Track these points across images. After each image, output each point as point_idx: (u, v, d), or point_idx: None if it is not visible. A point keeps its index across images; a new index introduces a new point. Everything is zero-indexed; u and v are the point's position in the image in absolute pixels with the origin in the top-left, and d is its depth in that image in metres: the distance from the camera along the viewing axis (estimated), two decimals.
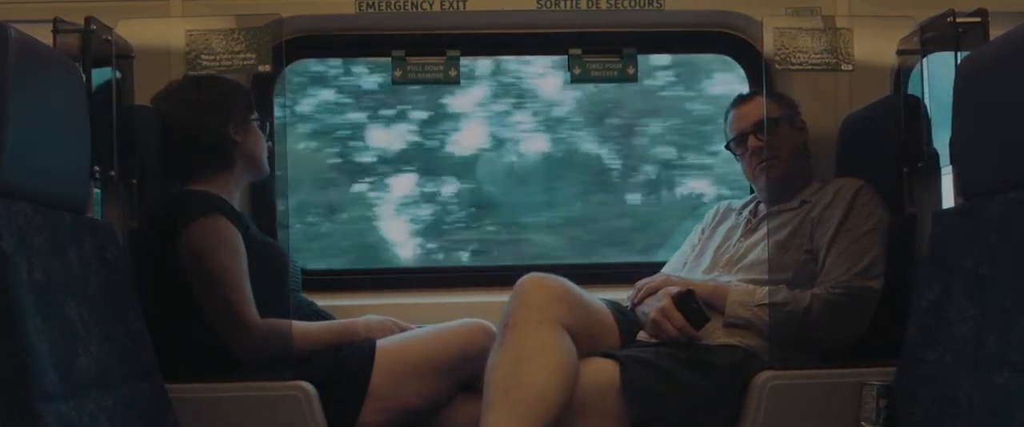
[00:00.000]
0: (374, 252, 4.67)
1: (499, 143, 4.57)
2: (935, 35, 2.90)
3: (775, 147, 3.22)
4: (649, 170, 4.66)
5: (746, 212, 3.39)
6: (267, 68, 3.08)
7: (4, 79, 2.12)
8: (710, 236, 3.43)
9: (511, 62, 4.40)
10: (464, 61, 3.53)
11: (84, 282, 2.37)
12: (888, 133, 3.07)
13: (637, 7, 3.47)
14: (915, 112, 2.97)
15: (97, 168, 2.72)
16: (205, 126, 3.12)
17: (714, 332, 3.00)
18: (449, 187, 4.57)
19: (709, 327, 2.98)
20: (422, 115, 4.52)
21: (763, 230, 3.17)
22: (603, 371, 2.85)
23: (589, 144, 4.59)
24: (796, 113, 3.29)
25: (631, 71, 3.56)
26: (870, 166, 3.15)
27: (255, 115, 3.20)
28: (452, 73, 3.49)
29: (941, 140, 2.84)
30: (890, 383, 2.69)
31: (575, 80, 3.57)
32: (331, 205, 4.60)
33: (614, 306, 3.15)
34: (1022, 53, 2.27)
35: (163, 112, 3.12)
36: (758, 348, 2.94)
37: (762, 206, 3.32)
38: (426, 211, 4.57)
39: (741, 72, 3.77)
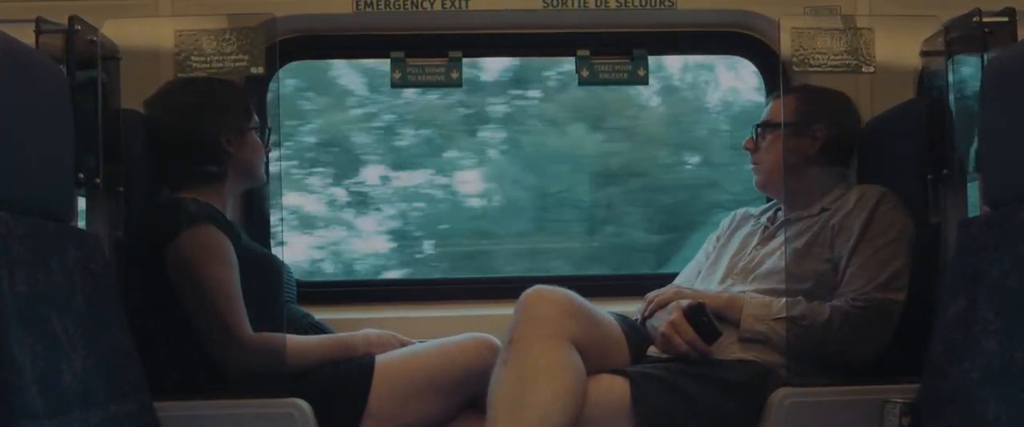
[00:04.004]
0: None
1: None
2: (961, 35, 2.89)
3: (761, 152, 3.31)
4: None
5: (764, 218, 3.38)
6: (260, 70, 3.08)
7: None
8: (725, 244, 3.43)
9: None
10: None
11: (68, 294, 2.37)
12: (911, 138, 3.07)
13: (648, 7, 3.47)
14: (940, 116, 2.96)
15: (82, 174, 2.71)
16: (195, 135, 3.12)
17: (729, 347, 3.00)
18: None
19: (723, 341, 2.98)
20: None
21: (780, 238, 3.17)
22: (613, 388, 2.84)
23: None
24: (804, 119, 3.27)
25: (642, 73, 3.57)
26: (893, 172, 3.15)
27: (253, 123, 3.20)
28: (454, 75, 3.50)
29: (967, 146, 2.83)
30: (913, 400, 2.68)
31: (583, 82, 3.57)
32: None
33: (623, 320, 3.14)
34: None
35: (153, 115, 3.13)
36: (775, 364, 2.94)
37: (781, 213, 3.31)
38: None
39: None
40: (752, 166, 3.37)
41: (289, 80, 4.20)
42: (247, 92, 3.28)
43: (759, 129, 3.33)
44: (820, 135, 3.23)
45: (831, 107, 3.28)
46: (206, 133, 3.12)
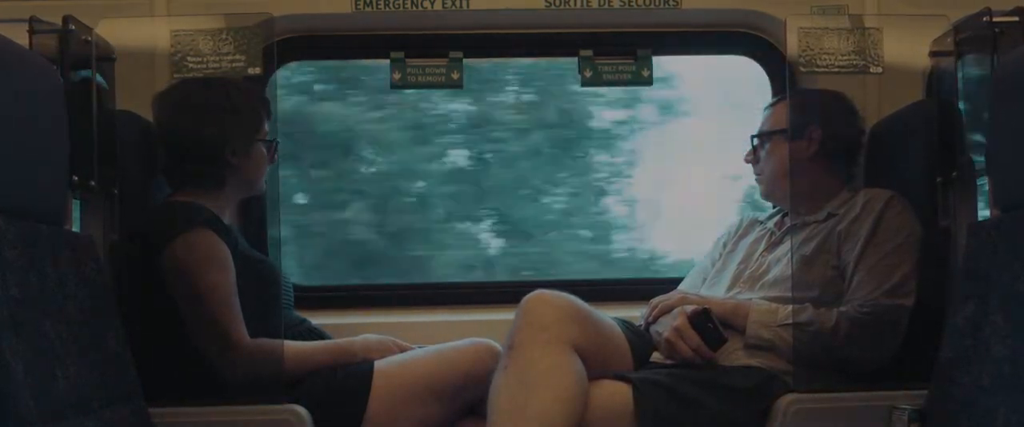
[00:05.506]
0: None
1: None
2: (970, 36, 2.89)
3: (761, 162, 3.33)
4: None
5: (771, 224, 3.38)
6: (258, 71, 3.08)
7: None
8: (732, 250, 3.43)
9: None
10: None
11: (62, 299, 2.37)
12: (920, 140, 3.07)
13: (652, 6, 3.47)
14: (949, 117, 2.96)
15: (76, 177, 2.71)
16: (199, 141, 3.11)
17: (734, 353, 3.00)
18: None
19: (729, 348, 2.98)
20: None
21: (787, 245, 3.16)
22: (615, 394, 2.84)
23: None
24: (797, 122, 3.26)
25: (646, 73, 3.56)
26: (901, 175, 3.15)
27: (264, 133, 3.20)
28: (454, 76, 3.49)
29: (977, 147, 2.83)
30: (922, 407, 2.68)
31: (586, 83, 3.56)
32: None
33: (626, 325, 3.14)
34: None
35: (159, 115, 3.12)
36: (781, 370, 2.94)
37: (788, 218, 3.31)
38: None
39: None
40: (755, 177, 3.37)
41: None
42: (262, 103, 3.24)
43: (756, 140, 3.33)
44: (815, 136, 3.22)
45: (825, 108, 3.28)
46: (211, 141, 3.11)
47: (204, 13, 3.21)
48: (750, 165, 3.38)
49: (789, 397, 2.83)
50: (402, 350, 3.15)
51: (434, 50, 3.54)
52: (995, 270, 2.43)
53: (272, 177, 3.27)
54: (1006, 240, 2.42)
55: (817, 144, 3.22)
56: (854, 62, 3.10)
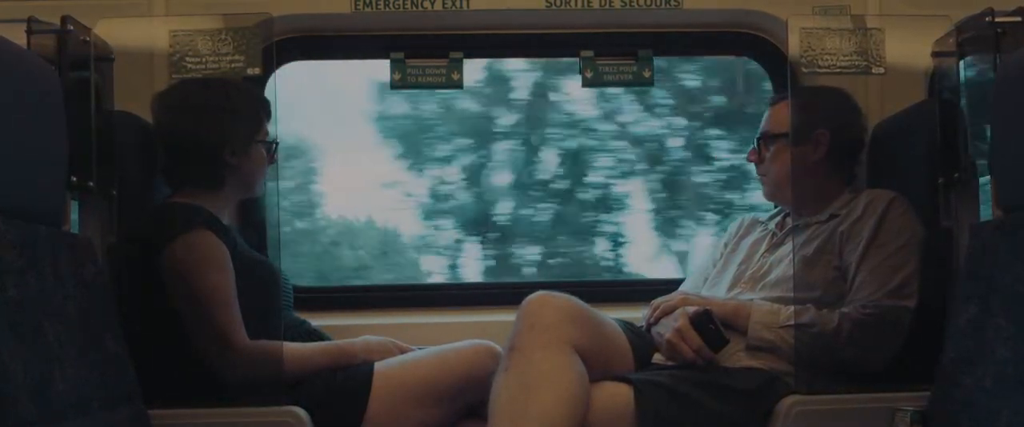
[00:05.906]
0: None
1: None
2: (973, 36, 2.89)
3: (766, 163, 3.32)
4: None
5: (772, 225, 3.38)
6: (257, 71, 3.08)
7: None
8: (734, 251, 3.43)
9: None
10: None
11: (61, 301, 2.37)
12: (922, 140, 3.07)
13: (653, 7, 3.47)
14: (951, 118, 2.96)
15: (74, 178, 2.71)
16: (198, 142, 3.12)
17: (736, 354, 2.99)
18: None
19: (730, 349, 2.97)
20: None
21: (789, 245, 3.16)
22: (616, 396, 2.84)
23: None
24: (804, 126, 3.26)
25: (647, 74, 3.56)
26: (903, 176, 3.15)
27: (264, 134, 3.20)
28: (455, 77, 3.50)
29: (979, 148, 2.83)
30: (925, 409, 2.68)
31: (587, 84, 3.56)
32: None
33: (628, 327, 3.14)
34: None
35: (157, 115, 3.12)
36: (783, 371, 2.93)
37: (789, 219, 3.31)
38: None
39: None
40: (759, 177, 3.36)
41: None
42: (261, 103, 3.24)
43: (760, 141, 3.33)
44: (823, 140, 3.21)
45: (831, 109, 3.27)
46: (210, 142, 3.11)
47: (203, 13, 3.21)
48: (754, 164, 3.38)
49: (791, 398, 2.83)
50: (402, 352, 3.15)
51: (434, 50, 3.54)
52: (997, 271, 2.43)
53: (272, 178, 3.27)
54: (1008, 241, 2.42)
55: (825, 148, 3.22)
56: (856, 62, 3.10)
